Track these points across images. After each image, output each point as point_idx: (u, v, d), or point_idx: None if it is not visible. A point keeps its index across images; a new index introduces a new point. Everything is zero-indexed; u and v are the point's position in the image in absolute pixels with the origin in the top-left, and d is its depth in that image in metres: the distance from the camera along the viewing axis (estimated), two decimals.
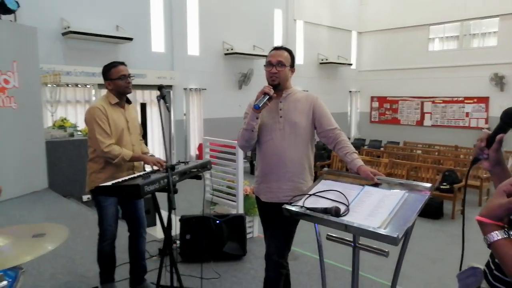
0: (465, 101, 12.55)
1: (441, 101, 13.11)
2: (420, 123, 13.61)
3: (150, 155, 2.91)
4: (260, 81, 2.52)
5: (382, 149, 10.86)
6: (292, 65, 2.42)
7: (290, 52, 2.42)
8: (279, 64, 2.34)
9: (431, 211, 6.56)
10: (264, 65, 2.42)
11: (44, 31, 6.92)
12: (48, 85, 7.04)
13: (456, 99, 12.75)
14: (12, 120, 5.41)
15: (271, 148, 2.36)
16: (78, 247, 3.89)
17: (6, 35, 5.32)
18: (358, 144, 11.48)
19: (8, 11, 5.33)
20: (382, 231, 1.66)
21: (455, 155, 9.77)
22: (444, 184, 7.01)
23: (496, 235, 0.95)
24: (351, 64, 14.59)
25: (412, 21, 13.47)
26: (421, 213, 6.57)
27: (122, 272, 3.13)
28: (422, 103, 13.53)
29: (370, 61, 14.93)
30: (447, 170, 7.32)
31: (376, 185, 2.04)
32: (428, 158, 8.91)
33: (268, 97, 2.23)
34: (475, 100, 12.32)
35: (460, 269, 1.22)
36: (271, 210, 2.38)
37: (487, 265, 1.13)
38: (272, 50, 2.44)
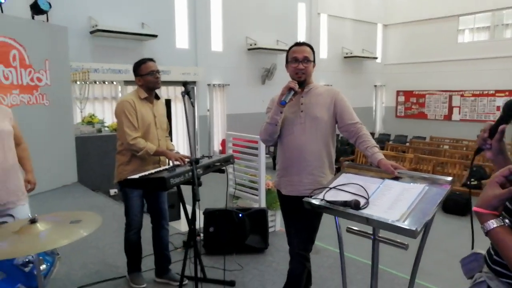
0: (496, 94, 12.14)
1: (470, 95, 12.72)
2: (448, 117, 13.26)
3: (175, 152, 3.00)
4: (283, 76, 2.54)
5: (407, 144, 10.67)
6: (315, 59, 2.44)
7: (311, 47, 2.43)
8: (306, 60, 2.34)
9: (459, 207, 6.41)
10: (288, 61, 2.41)
11: (73, 30, 7.16)
12: (77, 82, 7.30)
13: (486, 92, 12.34)
14: (44, 116, 5.65)
15: (292, 142, 2.39)
16: (107, 238, 4.05)
17: (39, 35, 5.56)
18: (383, 139, 11.31)
19: (41, 11, 5.56)
20: (401, 224, 1.67)
21: None
22: (472, 180, 6.84)
23: (492, 223, 1.01)
24: (376, 58, 14.34)
25: (441, 12, 13.10)
26: (448, 209, 6.48)
27: (148, 263, 3.25)
28: (451, 97, 13.17)
29: (396, 54, 14.63)
30: (475, 166, 7.13)
31: (396, 178, 2.04)
32: (455, 153, 8.69)
33: (293, 92, 2.26)
34: (507, 93, 11.89)
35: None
36: (292, 203, 2.41)
37: (488, 250, 1.18)
38: (293, 46, 2.43)
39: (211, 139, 10.52)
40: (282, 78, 2.43)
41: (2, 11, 5.21)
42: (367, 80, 14.51)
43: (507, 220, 1.02)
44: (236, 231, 3.65)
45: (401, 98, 14.62)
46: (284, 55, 2.60)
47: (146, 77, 2.83)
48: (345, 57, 13.45)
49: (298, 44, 2.43)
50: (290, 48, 2.44)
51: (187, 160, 2.76)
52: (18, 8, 5.64)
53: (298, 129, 2.37)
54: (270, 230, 4.10)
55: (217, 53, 10.36)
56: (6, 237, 1.63)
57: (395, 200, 1.86)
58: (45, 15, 5.68)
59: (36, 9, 5.54)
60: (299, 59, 2.34)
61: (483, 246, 1.29)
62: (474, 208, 1.06)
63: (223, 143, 10.03)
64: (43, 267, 1.98)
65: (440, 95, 13.43)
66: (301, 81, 2.35)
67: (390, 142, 10.62)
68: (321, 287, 3.12)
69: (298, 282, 2.43)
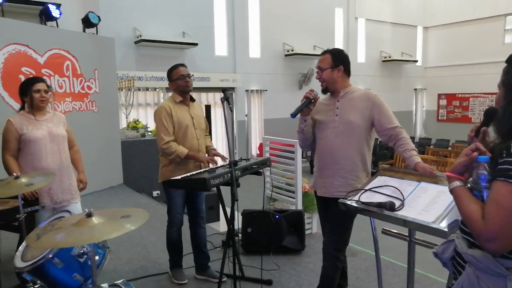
0: None
1: None
2: None
3: (212, 149, 3.16)
4: None
5: (449, 148, 10.30)
6: (337, 65, 2.41)
7: (333, 53, 2.44)
8: (319, 69, 2.48)
9: None
10: None
11: (119, 40, 7.60)
12: (123, 90, 7.71)
13: None
14: (93, 122, 6.02)
15: (325, 145, 2.46)
16: (151, 237, 4.26)
17: (89, 46, 5.96)
18: (424, 143, 10.98)
19: (91, 25, 5.97)
20: (437, 225, 1.69)
21: None
22: None
23: (456, 183, 1.26)
24: (416, 61, 13.99)
25: (485, 12, 12.59)
26: None
27: (188, 260, 3.40)
28: None
29: (437, 57, 14.18)
30: None
31: (435, 182, 2.04)
32: None
33: (308, 101, 2.35)
34: None
35: None
36: (326, 204, 2.49)
37: None
38: None
39: (248, 143, 10.70)
40: (319, 83, 2.51)
41: (57, 25, 5.64)
42: (407, 84, 14.17)
43: (468, 185, 1.27)
44: (273, 232, 3.73)
45: (443, 102, 14.13)
46: None
47: (177, 82, 3.00)
48: (383, 61, 13.23)
49: (320, 54, 2.53)
50: None
51: (221, 161, 2.90)
52: (71, 22, 6.08)
53: (332, 132, 2.43)
54: (307, 232, 4.15)
55: (255, 59, 10.54)
56: (66, 229, 1.81)
57: (430, 202, 1.87)
58: (94, 28, 6.08)
59: (87, 23, 5.95)
60: (316, 69, 2.52)
61: None
62: (446, 173, 1.33)
63: (260, 147, 10.16)
64: (96, 258, 2.14)
65: (485, 98, 12.86)
66: (324, 88, 2.49)
67: (431, 147, 10.29)
68: None
69: (331, 282, 2.46)
